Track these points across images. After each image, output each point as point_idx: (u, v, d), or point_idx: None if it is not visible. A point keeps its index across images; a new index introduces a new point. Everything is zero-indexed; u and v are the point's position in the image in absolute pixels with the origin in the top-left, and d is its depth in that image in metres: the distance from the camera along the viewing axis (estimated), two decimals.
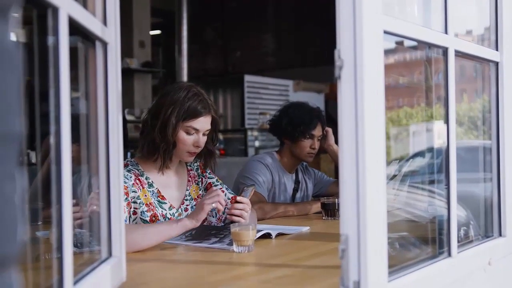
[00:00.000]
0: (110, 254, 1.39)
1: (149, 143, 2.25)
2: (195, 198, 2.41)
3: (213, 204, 2.03)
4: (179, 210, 2.33)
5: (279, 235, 2.23)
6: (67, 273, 1.03)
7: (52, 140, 1.02)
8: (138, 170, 2.26)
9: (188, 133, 2.24)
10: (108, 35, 1.38)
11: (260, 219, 2.74)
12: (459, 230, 1.67)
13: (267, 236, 2.15)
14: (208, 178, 2.48)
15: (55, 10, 1.01)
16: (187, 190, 2.40)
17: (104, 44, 1.37)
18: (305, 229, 2.40)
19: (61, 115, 1.02)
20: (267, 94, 8.28)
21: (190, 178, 2.43)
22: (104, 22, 1.37)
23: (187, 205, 2.37)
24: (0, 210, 0.57)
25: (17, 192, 0.59)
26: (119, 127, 1.41)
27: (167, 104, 2.22)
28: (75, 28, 1.13)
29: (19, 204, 0.60)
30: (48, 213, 1.14)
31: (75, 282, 1.10)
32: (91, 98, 1.39)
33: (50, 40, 1.03)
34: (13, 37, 0.61)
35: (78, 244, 1.38)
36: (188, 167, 2.46)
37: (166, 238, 2.01)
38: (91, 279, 1.20)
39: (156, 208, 2.24)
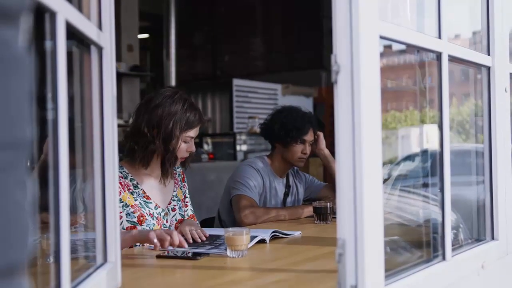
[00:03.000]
0: (105, 259, 1.38)
1: (150, 154, 2.30)
2: (181, 200, 2.50)
3: (155, 240, 1.94)
4: (166, 210, 2.40)
5: (274, 237, 2.23)
6: (65, 279, 1.02)
7: (49, 144, 1.01)
8: (121, 173, 2.28)
9: (185, 142, 2.34)
10: (104, 40, 1.37)
11: (252, 224, 2.74)
12: None
13: (261, 240, 2.15)
14: (186, 188, 2.58)
15: (53, 14, 1.01)
16: (174, 191, 2.48)
17: (100, 49, 1.36)
18: (297, 233, 2.40)
19: (59, 120, 1.02)
20: (256, 98, 8.28)
21: (176, 180, 2.51)
22: (100, 26, 1.36)
23: (174, 205, 2.45)
24: (12, 216, 0.57)
25: (27, 199, 0.59)
26: (114, 132, 1.41)
27: (166, 116, 2.28)
28: (71, 33, 1.13)
29: (30, 211, 0.60)
30: (41, 218, 1.13)
31: None
32: (86, 103, 1.38)
33: (48, 44, 1.03)
34: (23, 43, 0.60)
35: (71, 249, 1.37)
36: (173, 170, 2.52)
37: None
38: (87, 285, 1.19)
39: (143, 208, 2.29)
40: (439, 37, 1.55)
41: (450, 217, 1.57)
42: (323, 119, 7.83)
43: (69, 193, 1.41)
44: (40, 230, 1.31)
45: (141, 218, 2.26)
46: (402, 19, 1.76)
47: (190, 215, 2.51)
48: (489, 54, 1.87)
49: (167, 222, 2.38)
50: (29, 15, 0.63)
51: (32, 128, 0.61)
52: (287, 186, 3.19)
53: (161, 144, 2.28)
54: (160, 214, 2.35)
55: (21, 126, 0.58)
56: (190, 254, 1.93)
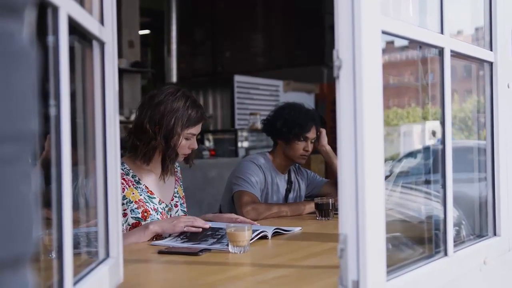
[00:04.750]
0: (107, 254, 1.38)
1: (152, 150, 2.32)
2: (182, 197, 2.53)
3: (185, 228, 2.14)
4: (169, 205, 2.43)
5: (275, 234, 2.23)
6: (67, 274, 1.02)
7: (52, 140, 1.01)
8: (123, 170, 2.29)
9: (187, 139, 2.36)
10: (105, 35, 1.37)
11: (254, 220, 2.74)
12: None
13: (262, 236, 2.15)
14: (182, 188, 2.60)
15: (55, 9, 1.01)
16: (175, 188, 2.51)
17: (102, 44, 1.36)
18: (297, 229, 2.40)
19: (61, 116, 1.01)
20: (257, 94, 8.28)
21: (177, 178, 2.54)
22: (101, 21, 1.36)
23: (176, 202, 2.48)
24: (16, 209, 0.57)
25: (32, 191, 0.59)
26: (116, 127, 1.41)
27: (168, 113, 2.29)
28: (73, 28, 1.13)
29: (34, 203, 0.60)
30: (44, 214, 1.13)
31: (75, 283, 1.09)
32: (88, 98, 1.38)
33: (50, 39, 1.02)
34: (28, 36, 0.60)
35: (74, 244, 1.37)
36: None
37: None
38: (90, 279, 1.19)
39: (147, 204, 2.32)
40: (441, 32, 1.55)
41: (452, 213, 1.57)
42: (324, 115, 7.83)
43: (71, 189, 1.42)
44: (42, 226, 1.31)
45: (145, 214, 2.28)
46: (404, 16, 1.76)
47: (182, 215, 2.50)
48: (491, 50, 1.86)
49: (170, 217, 2.40)
50: (33, 8, 0.63)
51: (37, 122, 0.61)
52: (289, 182, 3.19)
53: (162, 140, 2.30)
54: (164, 209, 2.38)
55: (26, 119, 0.59)
56: (192, 250, 1.93)
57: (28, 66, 0.59)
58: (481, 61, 1.86)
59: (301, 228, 2.42)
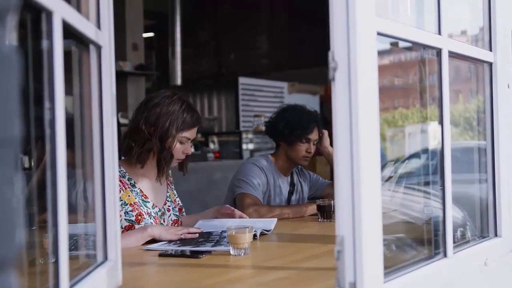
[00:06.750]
0: (105, 257, 1.38)
1: (146, 151, 2.33)
2: (173, 201, 2.54)
3: (182, 236, 2.18)
4: (162, 209, 2.44)
5: (262, 234, 2.27)
6: (63, 277, 1.02)
7: (47, 144, 1.02)
8: (119, 172, 2.31)
9: (181, 142, 2.37)
10: (102, 39, 1.37)
11: None
12: (455, 231, 1.67)
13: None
14: (175, 192, 2.61)
15: (49, 14, 1.01)
16: (168, 192, 2.52)
17: (98, 48, 1.36)
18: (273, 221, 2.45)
19: (56, 119, 1.02)
20: (261, 96, 8.27)
21: (168, 183, 2.55)
22: (98, 25, 1.37)
23: (168, 206, 2.50)
24: (0, 213, 0.57)
25: (15, 196, 0.60)
26: (113, 131, 1.41)
27: (164, 114, 2.31)
28: (69, 32, 1.13)
29: (18, 207, 0.60)
30: (43, 218, 1.14)
31: (71, 286, 1.09)
32: (85, 102, 1.39)
33: (44, 43, 1.03)
34: (10, 41, 0.61)
35: (72, 247, 1.37)
36: None
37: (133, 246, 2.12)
38: (87, 283, 1.19)
39: (141, 207, 2.33)
40: (439, 33, 1.55)
41: (451, 214, 1.56)
42: (329, 117, 7.80)
43: (74, 194, 1.42)
44: (43, 230, 1.32)
45: (139, 217, 2.29)
46: (402, 17, 1.76)
47: (174, 219, 2.52)
48: (491, 50, 1.85)
49: (164, 221, 2.41)
50: (16, 14, 0.64)
51: (20, 126, 0.62)
52: (292, 184, 3.19)
53: (157, 141, 2.31)
54: (157, 214, 2.39)
55: (9, 123, 0.59)
56: (192, 252, 1.93)
57: (11, 71, 0.60)
58: (480, 62, 1.85)
59: (275, 219, 2.46)
